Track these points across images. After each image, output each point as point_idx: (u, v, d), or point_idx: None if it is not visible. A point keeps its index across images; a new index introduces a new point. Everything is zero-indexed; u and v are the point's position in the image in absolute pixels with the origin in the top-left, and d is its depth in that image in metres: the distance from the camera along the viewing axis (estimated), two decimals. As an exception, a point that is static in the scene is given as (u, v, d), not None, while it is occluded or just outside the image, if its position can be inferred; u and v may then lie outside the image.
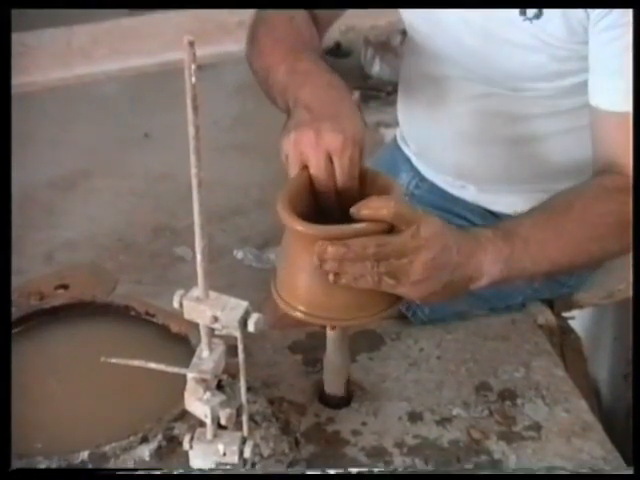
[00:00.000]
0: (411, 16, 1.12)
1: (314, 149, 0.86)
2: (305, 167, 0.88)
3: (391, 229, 0.84)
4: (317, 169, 0.87)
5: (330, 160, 0.86)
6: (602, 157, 0.99)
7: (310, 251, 0.86)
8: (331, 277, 0.83)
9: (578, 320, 1.27)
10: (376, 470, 0.82)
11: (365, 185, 0.90)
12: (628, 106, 0.93)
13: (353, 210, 0.83)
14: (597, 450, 0.94)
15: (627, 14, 0.91)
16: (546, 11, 0.97)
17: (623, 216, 0.91)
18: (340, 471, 0.74)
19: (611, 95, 0.96)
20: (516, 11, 0.98)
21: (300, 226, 0.85)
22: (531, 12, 0.97)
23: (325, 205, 0.89)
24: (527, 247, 0.90)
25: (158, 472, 0.78)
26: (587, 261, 1.00)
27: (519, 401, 1.00)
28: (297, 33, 1.04)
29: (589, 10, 0.94)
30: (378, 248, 0.82)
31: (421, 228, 0.83)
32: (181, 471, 0.78)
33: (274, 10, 1.08)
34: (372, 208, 0.83)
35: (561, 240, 0.92)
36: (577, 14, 0.95)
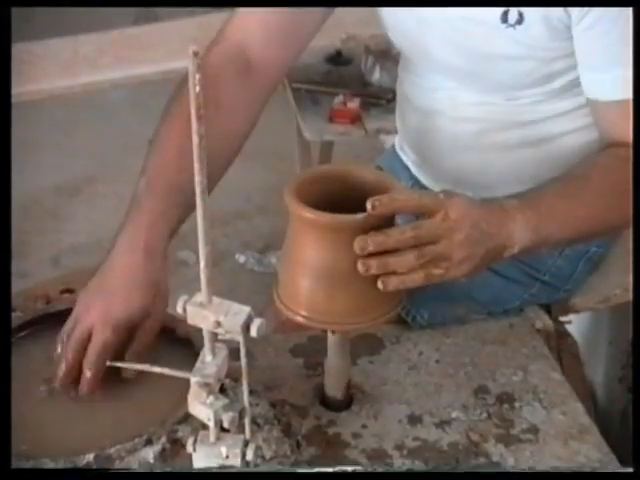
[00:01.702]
0: (398, 39, 1.14)
1: (78, 322, 0.95)
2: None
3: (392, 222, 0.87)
4: (72, 343, 0.94)
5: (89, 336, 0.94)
6: (610, 141, 1.01)
7: (315, 247, 0.87)
8: (380, 284, 0.85)
9: (575, 324, 1.28)
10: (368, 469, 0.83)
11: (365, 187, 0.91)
12: (627, 93, 0.95)
13: (371, 203, 0.84)
14: (593, 452, 0.95)
15: (609, 10, 0.93)
16: (527, 15, 0.98)
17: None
18: (343, 468, 0.75)
19: (609, 86, 0.98)
20: (498, 20, 0.99)
21: (310, 213, 0.86)
22: (513, 19, 0.99)
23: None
24: (553, 215, 0.94)
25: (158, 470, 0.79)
26: (607, 228, 1.04)
27: (517, 404, 1.01)
28: (177, 171, 1.00)
29: (569, 9, 0.96)
30: (415, 231, 0.85)
31: (449, 211, 0.87)
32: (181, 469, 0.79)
33: (180, 117, 0.98)
34: (399, 200, 0.85)
35: (583, 208, 0.96)
36: (557, 14, 0.97)
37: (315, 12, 1.09)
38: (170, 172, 1.01)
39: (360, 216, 0.86)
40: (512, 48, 1.01)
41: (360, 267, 0.85)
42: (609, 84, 0.98)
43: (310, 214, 0.86)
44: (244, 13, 1.08)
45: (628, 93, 0.96)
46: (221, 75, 1.06)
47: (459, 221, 0.87)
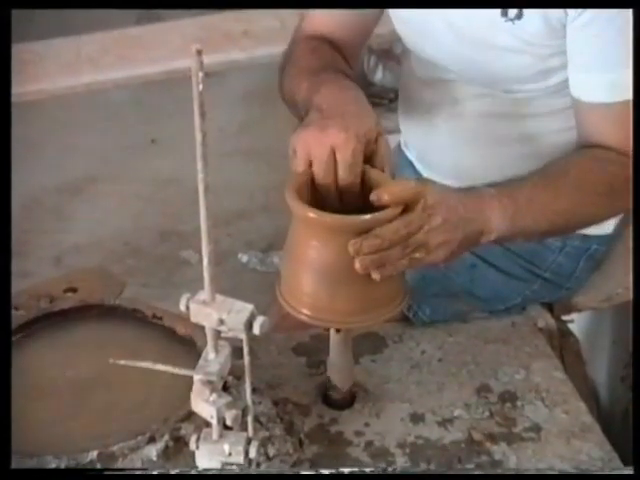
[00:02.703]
0: (402, 27, 1.15)
1: (318, 145, 0.89)
2: (310, 165, 0.90)
3: (403, 211, 0.88)
4: (320, 164, 0.90)
5: (334, 156, 0.89)
6: (588, 142, 1.03)
7: (316, 246, 0.87)
8: (376, 275, 0.87)
9: (577, 323, 1.28)
10: (368, 469, 0.83)
11: (365, 183, 0.92)
12: (611, 97, 0.98)
13: (374, 197, 0.87)
14: (596, 451, 0.95)
15: (603, 11, 0.95)
16: (526, 11, 1.00)
17: (613, 187, 0.98)
18: (343, 470, 0.76)
19: (593, 88, 1.00)
20: (498, 13, 1.01)
21: (313, 213, 0.87)
22: (512, 13, 1.00)
23: (326, 204, 0.91)
24: (530, 206, 0.95)
25: (160, 472, 0.79)
26: (579, 224, 1.05)
27: (519, 403, 1.01)
28: (319, 58, 1.08)
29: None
30: (407, 228, 0.87)
31: (428, 198, 0.88)
32: (189, 471, 0.79)
33: (298, 46, 1.13)
34: (395, 192, 0.87)
35: (559, 202, 0.97)
36: (556, 13, 0.98)
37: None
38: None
39: (363, 218, 0.86)
40: (510, 41, 1.02)
41: (358, 267, 0.86)
42: (594, 86, 0.99)
43: (313, 214, 0.87)
44: (313, 13, 1.16)
45: (612, 97, 0.98)
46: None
47: (435, 206, 0.88)
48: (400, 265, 0.88)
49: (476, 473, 0.87)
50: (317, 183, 0.91)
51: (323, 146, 0.89)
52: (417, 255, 0.88)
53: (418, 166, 1.27)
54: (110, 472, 0.83)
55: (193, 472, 0.78)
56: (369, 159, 0.92)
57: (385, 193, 0.87)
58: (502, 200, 0.94)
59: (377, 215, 0.87)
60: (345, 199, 0.91)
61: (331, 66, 1.05)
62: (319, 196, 0.91)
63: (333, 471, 0.75)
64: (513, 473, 0.88)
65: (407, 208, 0.88)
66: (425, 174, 1.26)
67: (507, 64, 1.05)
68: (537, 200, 0.96)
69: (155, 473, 0.79)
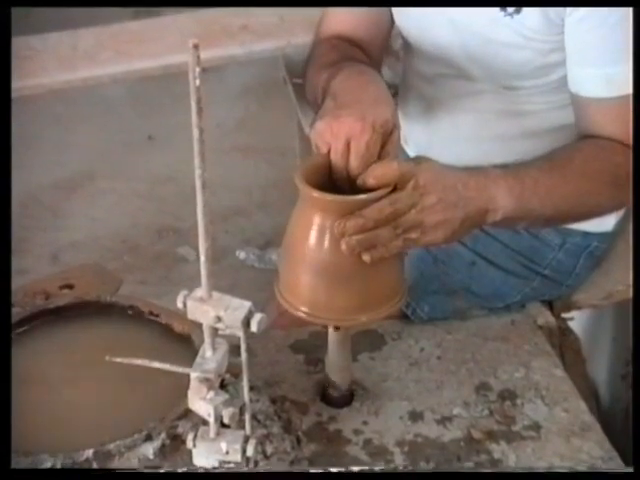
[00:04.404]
0: (403, 21, 1.14)
1: (334, 136, 0.88)
2: (328, 153, 0.90)
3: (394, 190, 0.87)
4: (334, 154, 0.89)
5: (348, 146, 0.88)
6: (587, 136, 1.02)
7: (315, 241, 0.87)
8: (366, 257, 0.86)
9: (577, 321, 1.28)
10: (377, 468, 0.83)
11: None
12: (609, 92, 0.97)
13: (360, 182, 0.86)
14: (596, 450, 0.95)
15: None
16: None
17: (618, 177, 0.97)
18: (341, 469, 0.75)
19: (591, 82, 0.99)
20: (497, 7, 1.01)
21: (316, 193, 0.86)
22: (511, 7, 1.00)
23: (341, 193, 0.90)
24: (536, 188, 0.94)
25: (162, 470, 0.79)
26: (583, 212, 1.03)
27: (519, 401, 1.01)
28: (339, 52, 1.08)
29: None
30: (393, 206, 0.85)
31: (419, 177, 0.87)
32: (185, 469, 0.79)
33: (319, 47, 1.13)
34: (378, 175, 0.86)
35: (564, 187, 0.96)
36: (554, 7, 0.98)
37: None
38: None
39: (349, 198, 0.86)
40: (509, 36, 1.02)
41: (344, 247, 0.85)
42: (591, 80, 0.99)
43: (305, 190, 0.86)
44: (331, 15, 1.17)
45: (609, 92, 0.97)
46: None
47: (428, 186, 0.87)
48: (393, 247, 0.87)
49: (475, 471, 0.86)
50: (334, 172, 0.90)
51: (338, 137, 0.88)
52: (412, 235, 0.87)
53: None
54: (114, 471, 0.83)
55: (180, 470, 0.77)
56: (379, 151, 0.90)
57: (369, 177, 0.86)
58: (508, 179, 0.92)
59: (363, 197, 0.86)
60: (356, 189, 0.90)
61: (351, 57, 1.05)
62: (336, 185, 0.90)
63: (334, 470, 0.75)
64: (512, 472, 0.87)
65: (398, 188, 0.87)
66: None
67: (507, 59, 1.05)
68: (543, 182, 0.94)
69: (155, 472, 0.79)
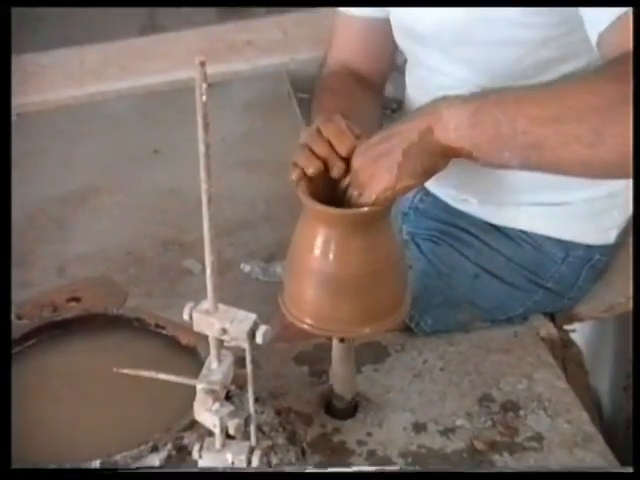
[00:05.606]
0: (397, 35, 1.15)
1: (315, 141, 0.94)
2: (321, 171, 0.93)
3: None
4: (321, 150, 0.93)
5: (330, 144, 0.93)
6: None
7: (320, 253, 0.88)
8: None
9: (579, 333, 1.28)
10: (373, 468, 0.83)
11: None
12: (622, 10, 0.86)
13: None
14: (598, 461, 0.95)
15: None
16: None
17: (606, 106, 0.81)
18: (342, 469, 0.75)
19: (607, 13, 0.88)
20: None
21: (320, 207, 0.88)
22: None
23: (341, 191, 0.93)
24: (501, 101, 0.86)
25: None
26: (563, 142, 0.84)
27: (521, 412, 1.01)
28: (336, 102, 1.11)
29: None
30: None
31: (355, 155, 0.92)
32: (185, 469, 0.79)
33: (325, 79, 1.19)
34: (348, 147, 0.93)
35: (538, 109, 0.84)
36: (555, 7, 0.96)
37: (386, 24, 1.17)
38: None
39: (351, 211, 0.89)
40: (493, 31, 1.01)
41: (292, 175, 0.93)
42: (607, 12, 0.88)
43: (320, 207, 0.88)
44: (340, 34, 1.23)
45: (622, 10, 0.86)
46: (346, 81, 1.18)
47: (355, 157, 0.92)
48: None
49: (475, 471, 0.86)
50: (329, 166, 0.93)
51: (322, 141, 0.93)
52: (354, 194, 0.90)
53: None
54: (115, 472, 0.83)
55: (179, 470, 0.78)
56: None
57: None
58: (467, 97, 0.88)
59: (365, 210, 0.88)
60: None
61: (343, 109, 1.06)
62: (336, 184, 0.93)
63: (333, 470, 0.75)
64: (512, 472, 0.87)
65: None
66: (427, 184, 1.25)
67: (496, 57, 1.04)
68: (511, 98, 0.86)
69: (155, 472, 0.79)
